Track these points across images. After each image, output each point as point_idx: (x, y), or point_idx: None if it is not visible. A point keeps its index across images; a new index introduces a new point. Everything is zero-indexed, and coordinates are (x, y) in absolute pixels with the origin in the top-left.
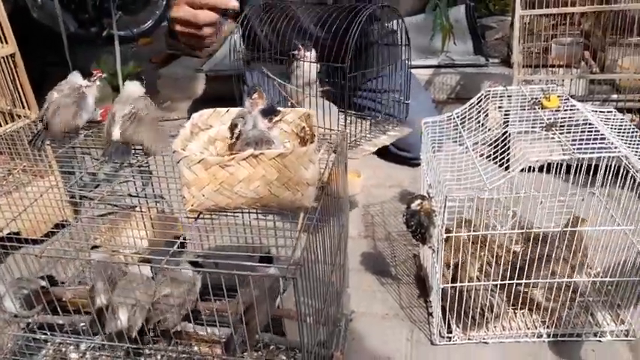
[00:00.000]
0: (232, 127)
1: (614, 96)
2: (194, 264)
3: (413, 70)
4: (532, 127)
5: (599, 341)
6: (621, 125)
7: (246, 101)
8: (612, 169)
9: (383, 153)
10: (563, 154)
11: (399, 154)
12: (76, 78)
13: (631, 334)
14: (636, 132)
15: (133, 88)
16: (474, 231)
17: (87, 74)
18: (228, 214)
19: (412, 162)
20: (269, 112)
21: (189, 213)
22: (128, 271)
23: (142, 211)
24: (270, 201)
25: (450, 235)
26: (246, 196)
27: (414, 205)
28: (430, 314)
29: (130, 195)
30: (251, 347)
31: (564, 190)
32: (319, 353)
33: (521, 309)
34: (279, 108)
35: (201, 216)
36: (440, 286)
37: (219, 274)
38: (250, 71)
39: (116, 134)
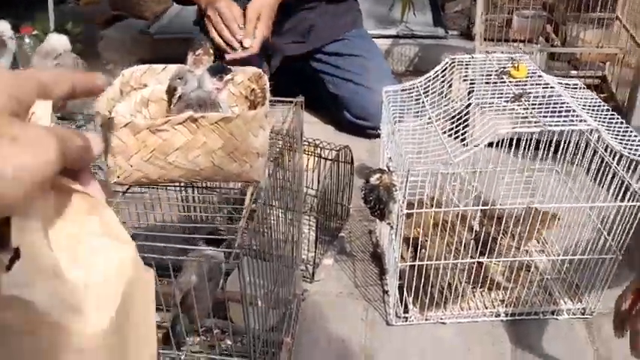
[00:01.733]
0: (170, 90)
1: (573, 72)
2: None
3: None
4: (498, 98)
5: (556, 319)
6: (586, 99)
7: (188, 57)
8: (578, 145)
9: (338, 122)
10: (535, 126)
11: (357, 123)
12: (2, 26)
13: (587, 312)
14: (601, 105)
15: (58, 41)
16: (436, 207)
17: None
18: (169, 188)
19: (369, 132)
20: (219, 70)
21: (116, 186)
22: None
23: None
24: (212, 174)
25: (412, 211)
26: (184, 167)
27: (373, 180)
28: (386, 292)
29: None
30: (192, 333)
31: (527, 165)
32: (268, 338)
33: (481, 287)
34: (229, 66)
35: (131, 190)
36: (398, 264)
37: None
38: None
39: None
